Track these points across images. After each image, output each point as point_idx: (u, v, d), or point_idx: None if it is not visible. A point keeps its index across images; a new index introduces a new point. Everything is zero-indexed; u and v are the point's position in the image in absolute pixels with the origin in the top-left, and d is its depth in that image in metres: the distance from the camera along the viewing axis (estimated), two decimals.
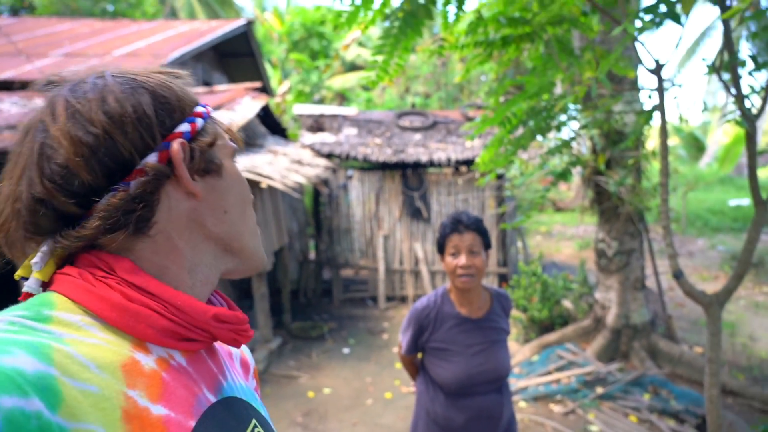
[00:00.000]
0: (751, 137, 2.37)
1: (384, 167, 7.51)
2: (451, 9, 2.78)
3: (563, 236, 12.18)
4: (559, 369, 4.78)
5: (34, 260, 0.56)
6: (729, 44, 2.30)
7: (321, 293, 7.87)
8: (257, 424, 0.64)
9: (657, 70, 2.61)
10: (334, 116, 8.06)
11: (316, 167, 6.27)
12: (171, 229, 0.59)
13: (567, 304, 5.71)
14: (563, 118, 3.35)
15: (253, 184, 4.92)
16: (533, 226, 13.45)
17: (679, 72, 13.54)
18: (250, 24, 8.37)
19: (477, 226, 2.00)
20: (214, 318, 0.58)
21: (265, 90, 8.73)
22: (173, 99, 0.61)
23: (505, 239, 7.47)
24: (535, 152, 6.67)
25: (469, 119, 7.84)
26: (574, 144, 3.51)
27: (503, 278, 7.41)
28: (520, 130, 3.34)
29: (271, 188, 5.43)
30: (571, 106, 3.32)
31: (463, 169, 7.50)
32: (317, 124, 7.82)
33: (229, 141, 0.68)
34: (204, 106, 0.65)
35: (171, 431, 0.50)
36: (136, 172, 0.56)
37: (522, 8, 3.13)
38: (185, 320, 0.56)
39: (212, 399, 0.58)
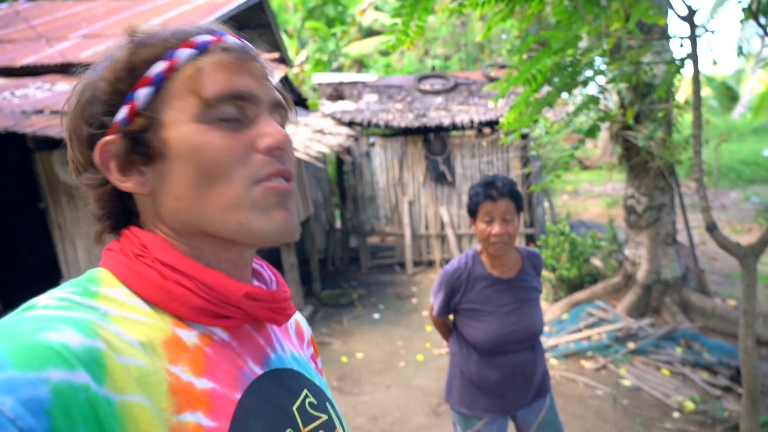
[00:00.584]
0: None
1: (406, 132, 7.46)
2: None
3: (590, 194, 12.00)
4: (590, 326, 4.79)
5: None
6: None
7: (349, 261, 7.96)
8: (309, 394, 0.63)
9: (689, 17, 2.52)
10: (354, 83, 7.99)
11: (338, 136, 6.27)
12: (150, 223, 0.59)
13: (596, 262, 5.67)
14: (590, 73, 3.27)
15: None
16: (560, 186, 13.26)
17: (712, 18, 12.95)
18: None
19: (511, 192, 1.97)
20: (246, 296, 0.57)
21: (283, 61, 8.67)
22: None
23: (531, 200, 7.40)
24: (560, 110, 6.52)
25: (491, 79, 7.68)
26: (601, 99, 3.41)
27: (530, 239, 7.38)
28: (546, 88, 3.27)
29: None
30: (598, 59, 3.22)
31: (487, 130, 7.40)
32: (337, 93, 7.77)
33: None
34: (170, 56, 0.55)
35: (216, 403, 0.51)
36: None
37: None
38: (217, 298, 0.55)
39: (258, 371, 0.58)
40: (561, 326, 4.94)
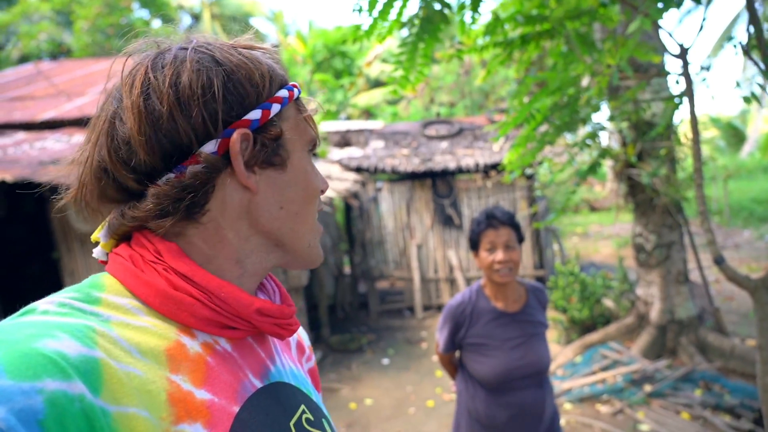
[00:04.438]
0: None
1: (413, 177, 7.54)
2: (467, 13, 2.79)
3: (600, 236, 11.92)
4: (604, 369, 4.66)
5: (102, 234, 0.59)
6: (754, 19, 2.26)
7: (358, 306, 7.90)
8: (306, 410, 0.63)
9: (682, 54, 2.57)
10: (361, 131, 8.15)
11: (345, 181, 6.35)
12: (222, 219, 0.57)
13: (608, 302, 5.58)
14: (587, 110, 3.32)
15: None
16: (569, 228, 13.22)
17: (713, 58, 13.20)
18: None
19: (511, 221, 2.00)
20: (258, 312, 0.57)
21: None
22: (248, 82, 0.58)
23: (540, 241, 7.37)
24: (563, 151, 6.59)
25: (493, 122, 7.81)
26: (603, 137, 3.48)
27: (540, 281, 7.29)
28: (546, 128, 3.33)
29: None
30: (597, 98, 3.29)
31: (493, 173, 7.46)
32: (344, 140, 7.92)
33: (309, 130, 0.64)
34: (290, 89, 0.62)
35: (215, 416, 0.50)
36: (192, 158, 0.55)
37: (539, 5, 3.13)
38: (228, 311, 0.55)
39: (258, 385, 0.58)
40: (574, 369, 4.81)
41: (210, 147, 0.55)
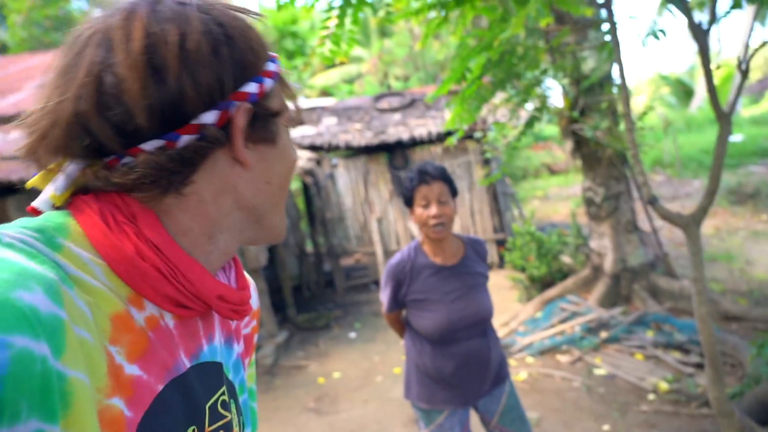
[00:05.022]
0: (704, 51, 2.36)
1: (367, 151, 7.51)
2: None
3: (560, 197, 12.17)
4: (563, 321, 4.80)
5: (55, 184, 0.52)
6: None
7: (324, 285, 7.90)
8: (225, 391, 0.62)
9: (606, 4, 2.61)
10: (313, 108, 8.06)
11: (300, 159, 6.28)
12: (206, 191, 0.54)
13: (565, 258, 5.72)
14: (523, 66, 3.34)
15: None
16: (530, 192, 13.45)
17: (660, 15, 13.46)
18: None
19: (443, 175, 2.01)
20: (219, 297, 0.56)
21: None
22: (249, 53, 0.55)
23: (499, 205, 7.48)
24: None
25: (450, 93, 7.82)
26: (544, 92, 3.51)
27: (500, 243, 7.42)
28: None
29: None
30: (533, 53, 3.30)
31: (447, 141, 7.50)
32: None
33: (289, 105, 0.62)
34: (274, 62, 0.59)
35: (138, 393, 0.48)
36: (189, 127, 0.51)
37: None
38: (190, 291, 0.54)
39: (187, 364, 0.56)
40: (535, 324, 4.94)
41: (210, 118, 0.51)
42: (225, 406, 0.61)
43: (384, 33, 15.76)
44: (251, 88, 0.54)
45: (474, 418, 2.41)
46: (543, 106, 3.20)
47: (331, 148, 7.24)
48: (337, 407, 4.12)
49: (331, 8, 2.76)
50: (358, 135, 7.28)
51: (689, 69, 25.74)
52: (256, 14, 0.60)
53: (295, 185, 9.02)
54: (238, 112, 0.53)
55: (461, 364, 2.06)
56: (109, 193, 0.52)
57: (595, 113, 4.59)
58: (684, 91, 21.47)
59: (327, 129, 7.53)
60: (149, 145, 0.50)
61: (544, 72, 3.15)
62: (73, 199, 0.53)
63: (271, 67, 0.58)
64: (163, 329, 0.53)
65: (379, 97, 8.25)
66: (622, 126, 4.79)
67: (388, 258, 7.49)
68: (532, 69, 3.37)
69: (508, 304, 5.78)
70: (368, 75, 15.30)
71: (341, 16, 2.82)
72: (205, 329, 0.60)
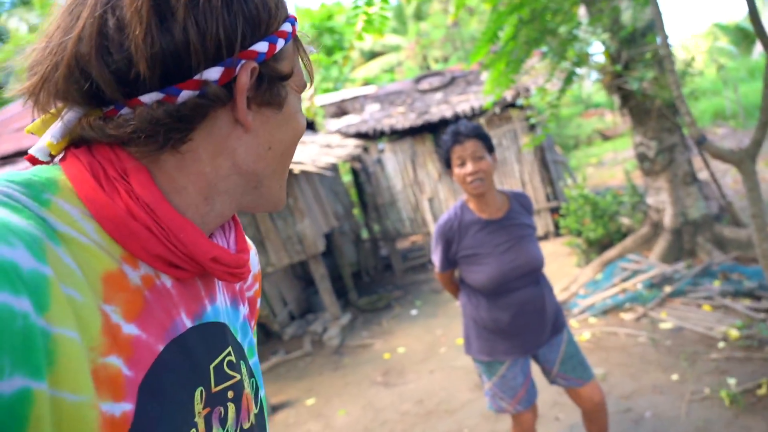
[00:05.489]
0: None
1: (412, 133, 7.58)
2: None
3: (615, 162, 11.80)
4: (625, 280, 4.72)
5: (53, 132, 0.51)
6: None
7: (382, 269, 8.06)
8: (231, 352, 0.61)
9: None
10: (355, 98, 8.20)
11: (346, 147, 6.44)
12: (204, 151, 0.52)
13: (623, 219, 5.60)
14: (557, 22, 3.32)
15: (288, 173, 5.14)
16: (583, 160, 13.10)
17: None
18: None
19: (476, 132, 2.07)
20: (213, 259, 0.54)
21: None
22: (264, 10, 0.52)
23: (550, 174, 7.38)
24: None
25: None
26: (583, 48, 3.46)
27: (554, 211, 7.32)
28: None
29: (306, 175, 5.64)
30: (567, 4, 3.28)
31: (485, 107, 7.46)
32: (340, 110, 7.99)
33: (302, 73, 0.60)
34: (292, 23, 0.57)
35: (137, 352, 0.48)
36: (191, 82, 0.49)
37: None
38: (183, 252, 0.52)
39: (188, 324, 0.54)
40: (596, 286, 4.88)
41: (213, 74, 0.49)
42: (232, 366, 0.60)
43: (419, 17, 15.71)
44: (261, 47, 0.52)
45: (535, 370, 2.46)
46: (581, 59, 3.17)
47: (377, 134, 7.36)
48: (404, 379, 4.26)
49: None
50: (401, 118, 7.37)
51: (747, 15, 24.11)
52: None
53: (345, 176, 9.21)
54: (242, 71, 0.50)
55: (517, 313, 2.12)
56: (102, 147, 0.51)
57: (639, 65, 4.46)
58: (745, 39, 20.16)
59: (371, 115, 7.66)
60: (148, 98, 0.48)
61: (578, 25, 3.13)
62: (65, 152, 0.52)
63: (285, 27, 0.55)
64: (160, 289, 0.52)
65: (419, 79, 8.29)
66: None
67: None
68: (568, 24, 3.34)
69: (567, 270, 5.72)
70: (407, 61, 15.31)
71: None
72: (206, 290, 0.59)
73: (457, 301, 2.38)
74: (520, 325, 2.14)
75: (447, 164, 2.13)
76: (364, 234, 8.51)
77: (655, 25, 4.53)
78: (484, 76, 7.51)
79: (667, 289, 4.31)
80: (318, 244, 5.43)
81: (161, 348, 0.50)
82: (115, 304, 0.47)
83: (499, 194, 2.20)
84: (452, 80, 7.94)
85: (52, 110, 0.52)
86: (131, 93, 0.48)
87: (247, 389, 0.63)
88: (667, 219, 4.93)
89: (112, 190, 0.49)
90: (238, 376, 0.61)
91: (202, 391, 0.54)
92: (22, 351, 0.37)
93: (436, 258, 2.24)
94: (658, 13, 2.68)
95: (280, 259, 5.31)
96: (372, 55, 17.17)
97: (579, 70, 3.40)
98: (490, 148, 2.10)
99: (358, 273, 7.95)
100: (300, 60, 0.60)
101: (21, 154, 5.93)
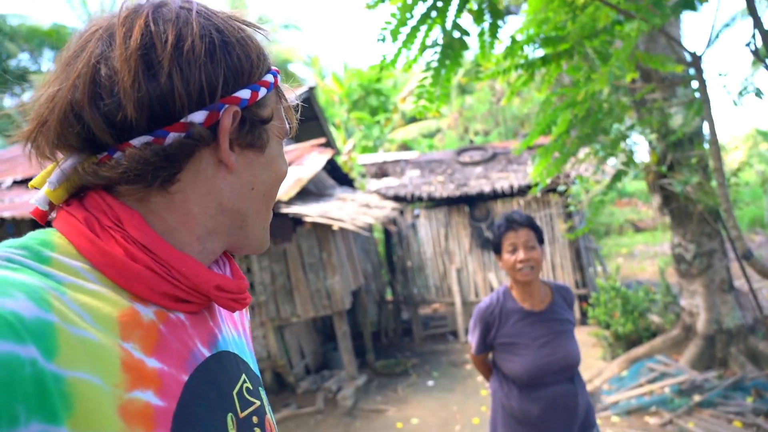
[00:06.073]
0: None
1: (449, 202, 7.71)
2: (486, 38, 2.96)
3: (646, 255, 11.67)
4: (651, 381, 4.60)
5: (50, 178, 0.54)
6: (758, 24, 2.37)
7: (402, 333, 7.99)
8: (246, 379, 0.63)
9: (695, 62, 2.70)
10: (397, 161, 8.43)
11: (384, 209, 6.58)
12: (191, 192, 0.55)
13: (653, 317, 5.52)
14: (610, 121, 3.44)
15: (326, 228, 5.27)
16: (614, 249, 12.99)
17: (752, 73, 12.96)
18: (311, 90, 9.03)
19: (530, 223, 2.13)
20: (217, 288, 0.56)
21: (330, 146, 9.28)
22: (246, 61, 0.57)
23: (581, 260, 7.35)
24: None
25: (530, 147, 7.93)
26: (630, 147, 3.57)
27: (583, 299, 7.24)
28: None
29: (342, 232, 5.76)
30: (618, 110, 3.41)
31: (529, 194, 7.56)
32: (381, 171, 8.20)
33: (284, 121, 0.65)
34: (274, 75, 0.62)
35: (165, 384, 0.50)
36: (178, 125, 0.52)
37: (555, 27, 3.29)
38: (187, 285, 0.54)
39: (206, 353, 0.57)
40: (621, 383, 4.76)
41: (198, 117, 0.53)
42: (251, 393, 0.62)
43: (464, 90, 16.23)
44: (243, 93, 0.56)
45: None
46: (629, 161, 3.26)
47: (414, 199, 7.51)
48: None
49: (428, 68, 3.02)
50: (440, 187, 7.52)
51: None
52: (260, 28, 0.62)
53: (377, 234, 9.33)
54: (225, 114, 0.54)
55: (548, 407, 2.10)
56: (94, 199, 0.54)
57: (684, 168, 4.53)
58: None
59: (410, 180, 7.84)
60: (137, 141, 0.51)
61: (631, 127, 3.23)
62: (58, 211, 0.54)
63: (268, 78, 0.60)
64: (174, 321, 0.54)
65: (461, 151, 8.50)
66: (713, 182, 4.68)
67: (466, 308, 7.51)
68: (619, 122, 3.46)
69: (591, 362, 5.60)
70: (449, 130, 15.70)
71: (436, 76, 3.07)
72: (214, 321, 0.61)
73: (487, 384, 2.37)
74: (549, 419, 2.12)
75: (497, 250, 2.18)
76: (388, 295, 8.51)
77: (701, 131, 4.64)
78: (525, 156, 7.67)
79: (697, 398, 4.18)
80: (345, 301, 5.47)
81: (186, 378, 0.52)
82: (133, 341, 0.48)
83: (543, 285, 2.23)
84: (493, 156, 8.12)
85: (52, 164, 0.55)
86: (122, 137, 0.52)
87: (269, 414, 0.65)
88: (701, 324, 4.84)
89: (108, 238, 0.51)
90: (258, 402, 0.63)
91: (232, 417, 0.56)
92: (37, 397, 0.38)
93: (473, 340, 2.25)
94: (712, 125, 2.77)
95: (306, 311, 5.36)
96: (413, 119, 17.69)
97: (625, 168, 3.48)
98: (541, 240, 2.16)
99: (377, 333, 7.90)
100: (282, 109, 0.64)
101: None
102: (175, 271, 0.53)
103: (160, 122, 0.52)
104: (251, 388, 0.63)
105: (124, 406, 0.45)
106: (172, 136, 0.52)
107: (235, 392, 0.59)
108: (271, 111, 0.60)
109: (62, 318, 0.43)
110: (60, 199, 0.55)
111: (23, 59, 15.20)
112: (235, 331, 0.67)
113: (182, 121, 0.52)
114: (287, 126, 0.65)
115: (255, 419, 0.61)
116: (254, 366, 0.69)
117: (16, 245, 0.48)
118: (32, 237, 0.50)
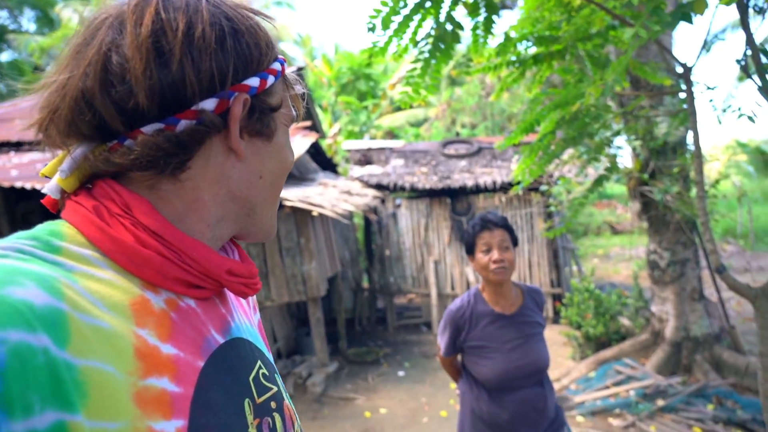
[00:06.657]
0: None
1: (431, 194, 7.69)
2: (480, 33, 2.92)
3: (621, 258, 11.85)
4: (617, 384, 4.68)
5: (61, 166, 0.54)
6: (750, 39, 2.37)
7: (375, 321, 8.01)
8: (261, 365, 0.63)
9: (685, 74, 2.70)
10: (381, 149, 8.37)
11: (365, 197, 6.53)
12: (201, 179, 0.56)
13: (624, 320, 5.60)
14: (596, 127, 3.43)
15: (305, 213, 5.21)
16: (590, 249, 13.16)
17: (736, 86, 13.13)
18: (300, 70, 8.88)
19: (505, 223, 2.11)
20: (228, 272, 0.57)
21: (316, 129, 9.18)
22: (255, 49, 0.57)
23: (557, 260, 7.42)
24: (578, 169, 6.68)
25: (515, 145, 7.93)
26: (614, 153, 3.57)
27: (557, 298, 7.32)
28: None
29: (322, 217, 5.71)
30: (604, 114, 3.41)
31: (512, 191, 7.58)
32: (365, 158, 8.14)
33: (291, 108, 0.65)
34: (281, 63, 0.62)
35: (181, 370, 0.50)
36: (189, 112, 0.52)
37: (550, 27, 3.26)
38: (198, 270, 0.55)
39: (220, 340, 0.57)
40: (588, 384, 4.84)
41: (209, 104, 0.53)
42: (267, 378, 0.63)
43: (454, 81, 16.17)
44: (253, 81, 0.56)
45: None
46: (613, 166, 3.27)
47: (397, 189, 7.48)
48: None
49: (418, 60, 2.97)
50: (423, 178, 7.50)
51: None
52: (268, 17, 0.62)
53: (357, 220, 9.30)
54: (236, 102, 0.54)
55: (517, 411, 2.10)
56: (102, 187, 0.54)
57: (665, 177, 4.58)
58: (763, 161, 20.52)
59: (394, 170, 7.80)
60: (149, 128, 0.51)
61: (617, 133, 3.23)
62: (66, 201, 0.54)
63: (276, 65, 0.60)
64: (185, 309, 0.54)
65: (446, 143, 8.48)
66: (693, 192, 4.74)
67: (441, 301, 7.54)
68: (605, 129, 3.46)
69: (560, 361, 5.68)
70: (436, 120, 15.66)
71: (425, 67, 3.02)
72: (226, 308, 0.62)
73: (455, 386, 2.36)
74: (518, 423, 2.12)
75: (470, 250, 2.15)
76: (365, 282, 8.51)
77: (685, 141, 4.67)
78: (510, 152, 7.68)
79: (660, 402, 4.27)
80: (321, 288, 5.44)
81: (201, 364, 0.52)
82: (148, 328, 0.49)
83: (514, 288, 2.21)
84: (479, 150, 8.11)
85: (63, 153, 0.55)
86: (133, 125, 0.52)
87: (287, 400, 0.65)
88: (669, 330, 4.93)
89: (118, 225, 0.51)
90: (275, 388, 0.64)
91: (249, 402, 0.57)
92: (51, 386, 0.39)
93: (442, 342, 2.23)
94: (697, 139, 2.78)
95: (281, 295, 5.32)
96: (400, 106, 17.58)
97: (608, 173, 3.48)
98: (515, 242, 2.14)
99: (351, 321, 7.90)
100: (288, 97, 0.64)
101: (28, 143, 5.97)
102: (186, 256, 0.53)
103: (172, 109, 0.52)
104: (267, 374, 0.63)
105: (138, 393, 0.45)
106: (184, 123, 0.52)
107: (251, 378, 0.59)
108: (279, 99, 0.61)
109: (74, 306, 0.43)
110: (72, 187, 0.55)
111: (2, 17, 14.79)
112: (247, 320, 0.68)
113: (193, 108, 0.52)
114: (294, 114, 0.65)
115: (273, 404, 0.61)
116: (269, 355, 0.69)
117: (25, 236, 0.48)
118: (41, 228, 0.51)
